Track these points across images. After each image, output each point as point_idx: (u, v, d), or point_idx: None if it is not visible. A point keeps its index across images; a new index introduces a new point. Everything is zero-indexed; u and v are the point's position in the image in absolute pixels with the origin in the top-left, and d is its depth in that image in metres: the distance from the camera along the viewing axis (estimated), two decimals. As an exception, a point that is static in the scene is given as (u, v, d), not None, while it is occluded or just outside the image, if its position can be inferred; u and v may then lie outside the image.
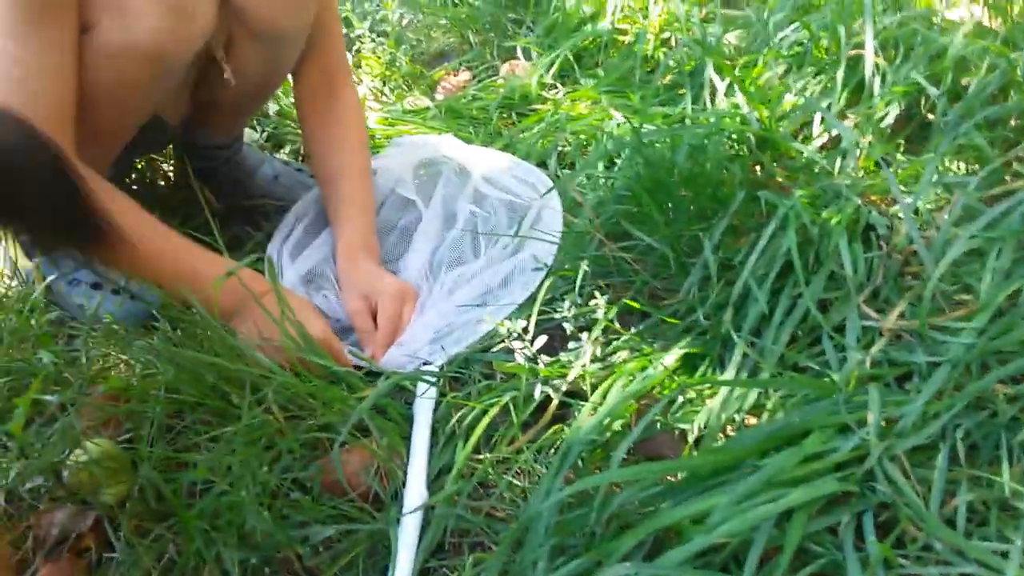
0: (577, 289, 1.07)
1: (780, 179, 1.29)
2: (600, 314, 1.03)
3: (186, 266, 1.08)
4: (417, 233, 1.32)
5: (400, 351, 1.13)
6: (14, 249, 1.25)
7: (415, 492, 0.90)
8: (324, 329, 1.07)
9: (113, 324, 1.15)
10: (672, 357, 1.00)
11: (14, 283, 1.28)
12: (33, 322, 1.15)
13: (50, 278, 1.22)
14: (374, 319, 1.16)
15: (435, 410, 1.02)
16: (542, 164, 1.44)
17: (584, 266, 1.09)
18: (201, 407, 1.02)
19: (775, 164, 1.32)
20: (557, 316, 1.04)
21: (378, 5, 1.86)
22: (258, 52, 1.23)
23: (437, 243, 1.30)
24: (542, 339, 1.01)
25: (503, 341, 1.04)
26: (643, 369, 1.00)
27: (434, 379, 1.05)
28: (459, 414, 1.00)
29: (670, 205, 1.15)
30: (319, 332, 1.04)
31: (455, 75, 1.75)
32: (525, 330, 1.00)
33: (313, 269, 1.28)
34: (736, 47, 1.71)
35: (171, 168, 1.51)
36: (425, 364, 1.10)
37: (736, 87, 1.44)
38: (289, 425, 0.97)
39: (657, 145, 1.23)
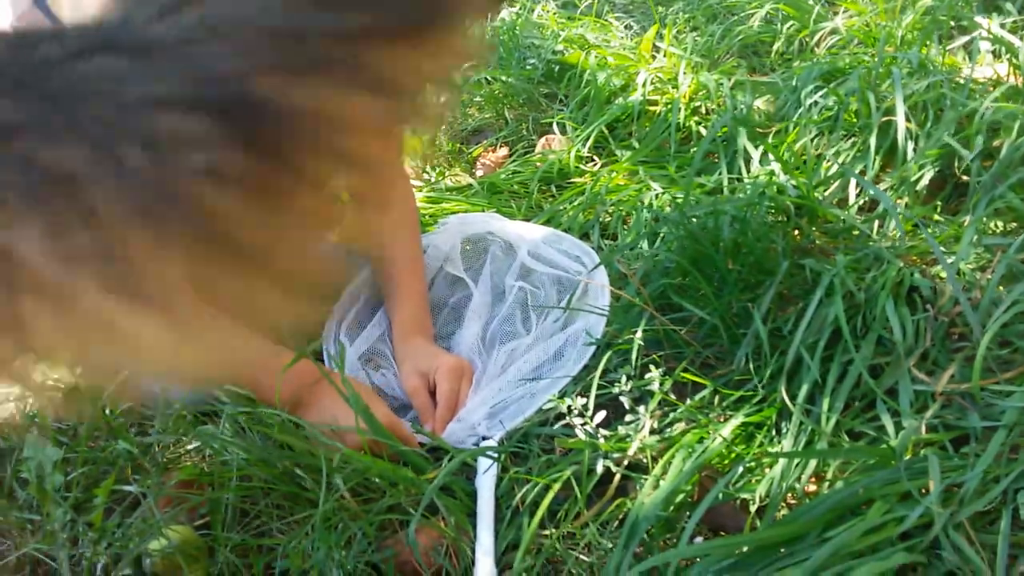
0: (633, 363, 1.10)
1: (820, 243, 1.32)
2: (656, 387, 1.06)
3: (252, 362, 1.13)
4: (468, 310, 1.36)
5: (459, 426, 1.16)
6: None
7: (485, 570, 0.92)
8: (388, 413, 1.11)
9: (182, 410, 1.19)
10: (729, 428, 1.02)
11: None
12: (107, 411, 1.19)
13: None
14: (432, 396, 1.20)
15: (497, 485, 1.05)
16: (584, 236, 1.48)
17: (638, 340, 1.12)
18: (273, 492, 1.05)
19: (814, 229, 1.35)
20: (614, 391, 1.06)
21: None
22: None
23: (488, 319, 1.34)
24: (601, 414, 1.04)
25: (564, 416, 1.07)
26: (701, 440, 1.02)
27: (495, 454, 1.08)
28: (522, 490, 1.02)
29: (717, 276, 1.18)
30: (384, 417, 1.08)
31: (493, 151, 1.80)
32: (585, 406, 1.03)
33: (371, 348, 1.32)
34: (766, 112, 1.76)
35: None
36: (484, 439, 1.13)
37: (771, 155, 1.48)
38: (361, 508, 1.00)
39: (697, 217, 1.27)
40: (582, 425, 1.03)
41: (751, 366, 1.08)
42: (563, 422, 1.08)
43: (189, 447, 1.16)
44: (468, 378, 1.22)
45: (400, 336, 1.30)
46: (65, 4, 1.04)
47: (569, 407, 1.03)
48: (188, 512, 1.07)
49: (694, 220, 1.23)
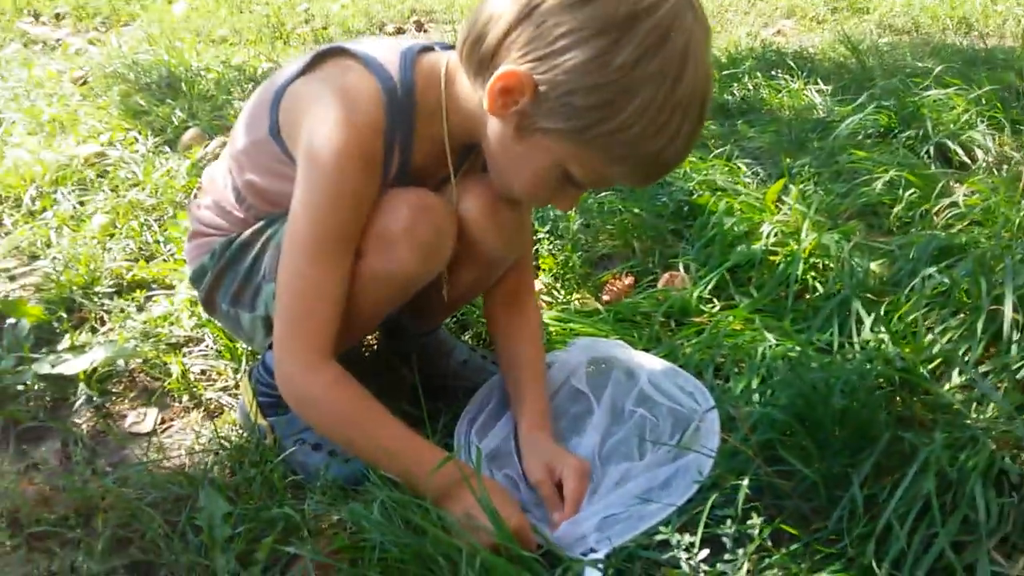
0: (738, 507, 1.23)
1: (920, 416, 1.43)
2: (756, 532, 1.19)
3: (407, 455, 1.31)
4: (589, 423, 1.51)
5: (569, 532, 1.30)
6: (252, 406, 1.51)
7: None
8: (521, 519, 1.26)
9: (335, 482, 1.37)
10: (819, 580, 1.14)
11: (245, 434, 1.53)
12: (274, 475, 1.38)
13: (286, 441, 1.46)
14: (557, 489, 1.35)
15: (602, 598, 1.18)
16: (698, 374, 1.62)
17: (744, 487, 1.25)
18: (407, 572, 1.21)
19: (915, 401, 1.46)
20: (718, 530, 1.19)
21: (557, 215, 2.13)
22: (475, 272, 1.48)
23: (605, 435, 1.49)
24: (705, 551, 1.16)
25: (668, 545, 1.21)
26: (792, 588, 1.14)
27: (602, 568, 1.21)
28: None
29: (822, 436, 1.30)
30: (516, 522, 1.23)
31: (620, 279, 1.97)
32: (692, 544, 1.16)
33: (498, 448, 1.48)
34: (880, 276, 1.88)
35: (375, 341, 1.77)
36: (592, 551, 1.27)
37: (882, 325, 1.60)
38: (483, 600, 1.15)
39: (809, 378, 1.40)
40: (687, 559, 1.15)
41: (844, 526, 1.20)
42: (668, 553, 1.21)
43: (337, 518, 1.34)
44: (587, 480, 1.37)
45: (526, 429, 1.45)
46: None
47: (678, 541, 1.16)
48: (332, 578, 1.24)
49: (806, 380, 1.36)
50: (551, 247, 2.03)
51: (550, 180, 1.26)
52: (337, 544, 1.25)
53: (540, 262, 2.01)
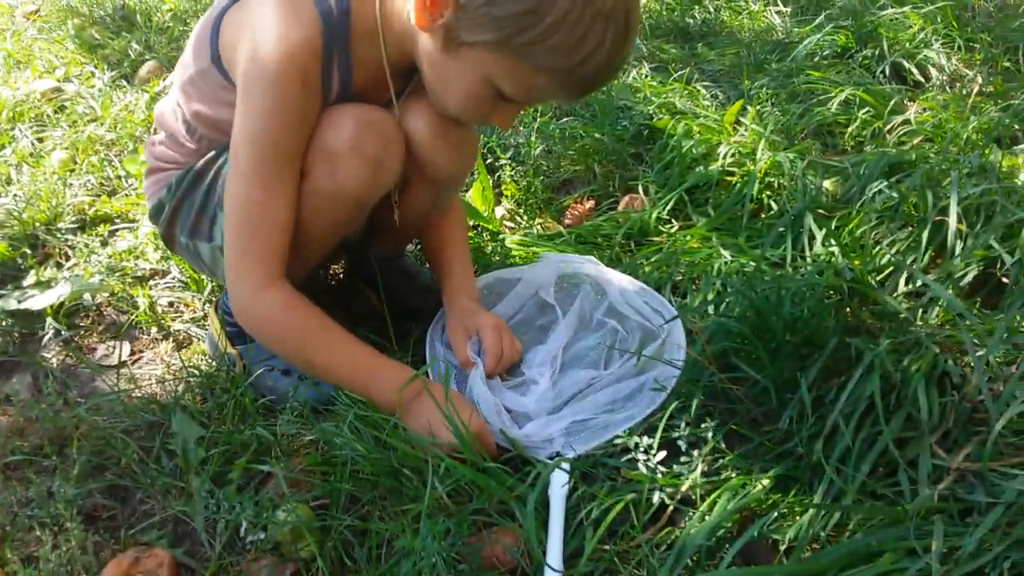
0: (692, 412, 1.29)
1: (868, 324, 1.49)
2: (710, 435, 1.25)
3: (366, 373, 1.36)
4: (553, 329, 1.56)
5: (538, 433, 1.36)
6: (220, 336, 1.53)
7: (554, 568, 1.12)
8: (480, 425, 1.31)
9: (305, 405, 1.41)
10: (769, 477, 1.20)
11: (215, 363, 1.56)
12: (246, 399, 1.42)
13: (254, 366, 1.50)
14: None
15: (568, 499, 1.24)
16: (657, 291, 1.66)
17: (699, 394, 1.31)
18: (379, 485, 1.26)
19: (864, 310, 1.52)
20: (674, 434, 1.25)
21: (519, 141, 2.14)
22: (427, 193, 1.51)
23: (572, 340, 1.55)
24: (662, 454, 1.22)
25: (629, 451, 1.26)
26: (744, 486, 1.20)
27: (567, 471, 1.27)
28: (588, 507, 1.21)
29: (773, 344, 1.36)
30: (475, 427, 1.28)
31: (581, 203, 2.00)
32: (650, 446, 1.22)
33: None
34: (832, 193, 1.93)
35: (341, 271, 1.80)
36: (558, 455, 1.33)
37: (833, 239, 1.65)
38: (453, 506, 1.21)
39: (761, 290, 1.45)
40: (645, 461, 1.21)
41: (793, 427, 1.26)
42: (628, 456, 1.27)
43: (308, 439, 1.38)
44: (508, 333, 1.50)
45: (450, 294, 1.57)
46: None
47: (636, 444, 1.22)
48: (307, 493, 1.28)
49: (759, 292, 1.41)
50: (513, 173, 2.05)
51: (482, 96, 1.27)
52: (309, 461, 1.30)
53: (503, 188, 2.03)
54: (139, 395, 1.51)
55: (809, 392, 1.28)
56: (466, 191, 1.97)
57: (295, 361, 1.42)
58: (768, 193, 1.94)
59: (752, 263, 1.65)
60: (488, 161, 2.06)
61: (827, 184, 1.94)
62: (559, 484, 1.25)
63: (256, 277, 1.32)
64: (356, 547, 1.19)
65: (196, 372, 1.52)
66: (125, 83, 2.46)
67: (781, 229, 1.76)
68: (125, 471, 1.35)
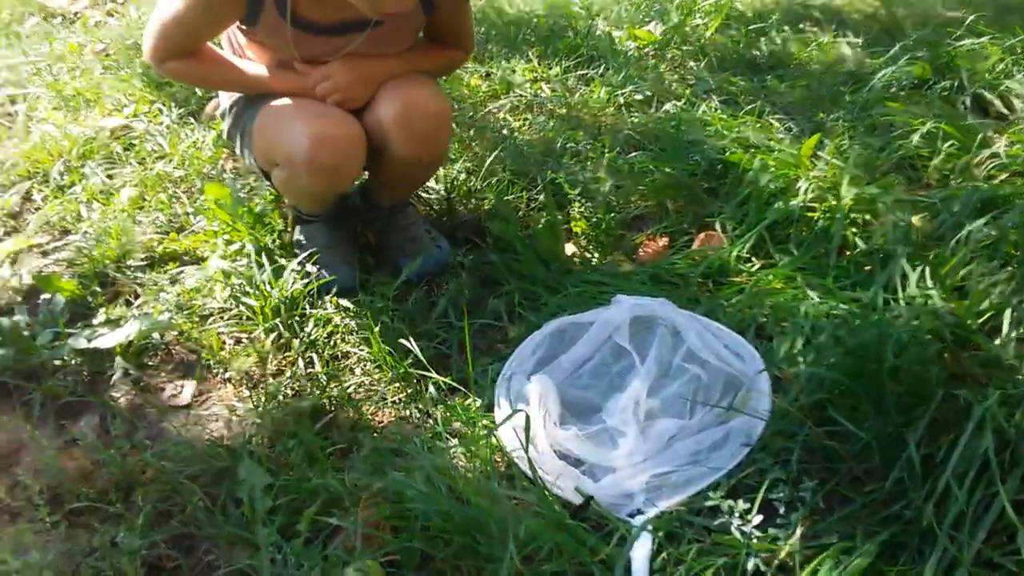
0: (792, 471, 1.20)
1: (971, 372, 1.39)
2: (808, 496, 1.16)
3: (266, 77, 1.67)
4: (631, 377, 1.49)
5: (617, 488, 1.28)
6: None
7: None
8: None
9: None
10: (875, 543, 1.11)
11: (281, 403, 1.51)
12: (315, 445, 1.37)
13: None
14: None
15: (651, 561, 1.16)
16: (739, 334, 1.58)
17: (796, 449, 1.22)
18: (452, 542, 1.19)
19: (966, 356, 1.42)
20: (772, 495, 1.16)
21: (593, 174, 2.08)
22: (402, 166, 1.70)
23: (654, 386, 1.47)
24: (759, 517, 1.14)
25: (723, 514, 1.18)
26: (847, 552, 1.11)
27: (650, 530, 1.19)
28: (674, 572, 1.14)
29: (874, 395, 1.27)
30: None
31: (654, 241, 1.93)
32: (748, 510, 1.14)
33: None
34: (922, 231, 1.83)
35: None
36: (639, 512, 1.25)
37: (929, 279, 1.56)
38: (527, 568, 1.13)
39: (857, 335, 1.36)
40: (739, 525, 1.13)
41: (900, 488, 1.17)
42: (720, 519, 1.18)
43: (377, 486, 1.32)
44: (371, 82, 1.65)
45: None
46: None
47: (730, 507, 1.14)
48: (378, 548, 1.22)
49: (856, 338, 1.33)
50: (583, 209, 1.98)
51: None
52: (379, 515, 1.24)
53: (572, 225, 1.97)
54: (206, 438, 1.48)
55: (917, 449, 1.19)
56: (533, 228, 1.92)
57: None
58: (853, 230, 1.85)
59: (842, 305, 1.56)
60: (557, 197, 2.00)
61: (915, 220, 1.84)
62: (643, 545, 1.18)
63: (158, 56, 1.64)
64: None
65: (265, 414, 1.47)
66: (192, 120, 2.46)
67: (871, 269, 1.66)
68: (190, 520, 1.31)
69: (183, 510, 1.33)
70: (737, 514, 1.14)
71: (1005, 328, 1.47)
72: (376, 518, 1.26)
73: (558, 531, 1.16)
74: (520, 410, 1.35)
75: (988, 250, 1.66)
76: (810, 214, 1.91)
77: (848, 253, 1.81)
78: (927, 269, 1.62)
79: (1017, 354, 1.41)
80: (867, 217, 1.88)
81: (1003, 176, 2.03)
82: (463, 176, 2.14)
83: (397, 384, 1.57)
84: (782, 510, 1.16)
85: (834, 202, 1.90)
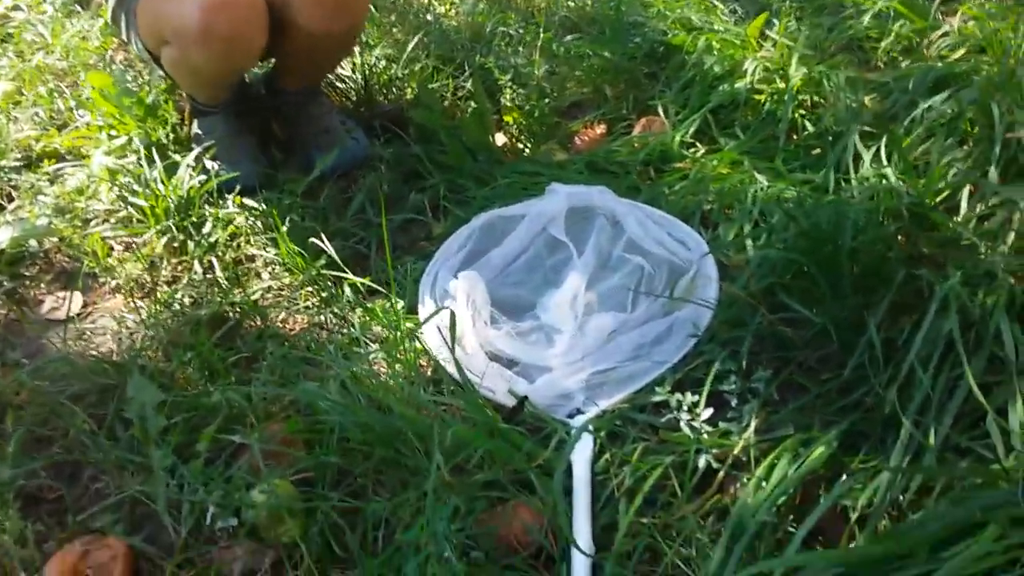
0: (742, 361, 1.09)
1: (929, 252, 1.29)
2: (761, 387, 1.05)
3: None
4: (569, 270, 1.36)
5: (553, 387, 1.16)
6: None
7: (584, 551, 0.93)
8: None
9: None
10: (834, 434, 1.01)
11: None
12: (213, 356, 1.22)
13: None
14: None
15: (593, 464, 1.05)
16: (683, 221, 1.46)
17: (748, 338, 1.11)
18: (372, 456, 1.06)
19: (923, 235, 1.32)
20: (721, 388, 1.05)
21: (526, 60, 1.91)
22: (308, 53, 1.57)
23: (592, 280, 1.34)
24: (708, 411, 1.03)
25: (671, 409, 1.07)
26: (805, 445, 1.01)
27: (591, 431, 1.08)
28: (619, 473, 1.03)
29: (830, 278, 1.15)
30: None
31: (592, 128, 1.79)
32: (695, 403, 1.03)
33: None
34: (873, 111, 1.71)
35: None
36: (578, 412, 1.14)
37: (885, 157, 1.45)
38: (458, 479, 1.01)
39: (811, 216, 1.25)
40: (688, 420, 1.02)
41: (862, 374, 1.06)
42: (667, 415, 1.07)
43: (288, 399, 1.18)
44: None
45: None
46: None
47: (678, 401, 1.02)
48: (288, 466, 1.08)
49: (810, 218, 1.21)
50: (514, 96, 1.82)
51: None
52: (289, 429, 1.10)
53: (503, 114, 1.81)
54: (91, 354, 1.31)
55: (878, 332, 1.08)
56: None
57: None
58: (802, 112, 1.72)
59: (792, 188, 1.44)
60: (486, 84, 1.83)
61: (866, 101, 1.72)
62: (584, 448, 1.06)
63: None
64: (348, 531, 1.00)
65: (157, 325, 1.31)
66: (79, 8, 2.21)
67: (818, 151, 1.54)
68: (73, 444, 1.16)
69: (65, 434, 1.18)
70: (685, 408, 1.03)
71: (963, 206, 1.37)
72: (285, 433, 1.12)
73: (490, 437, 1.04)
74: (445, 307, 1.21)
75: (944, 128, 1.55)
76: (756, 96, 1.78)
77: (796, 137, 1.69)
78: (881, 149, 1.50)
79: (977, 232, 1.31)
80: (816, 98, 1.76)
81: (957, 55, 1.92)
82: (382, 64, 1.95)
83: (309, 288, 1.41)
84: (734, 403, 1.05)
85: (782, 84, 1.77)
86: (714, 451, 1.02)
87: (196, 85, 1.61)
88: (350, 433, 1.07)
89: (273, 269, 1.47)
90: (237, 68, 1.54)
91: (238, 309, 1.38)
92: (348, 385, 1.12)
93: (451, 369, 1.16)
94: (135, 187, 1.53)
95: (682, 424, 1.03)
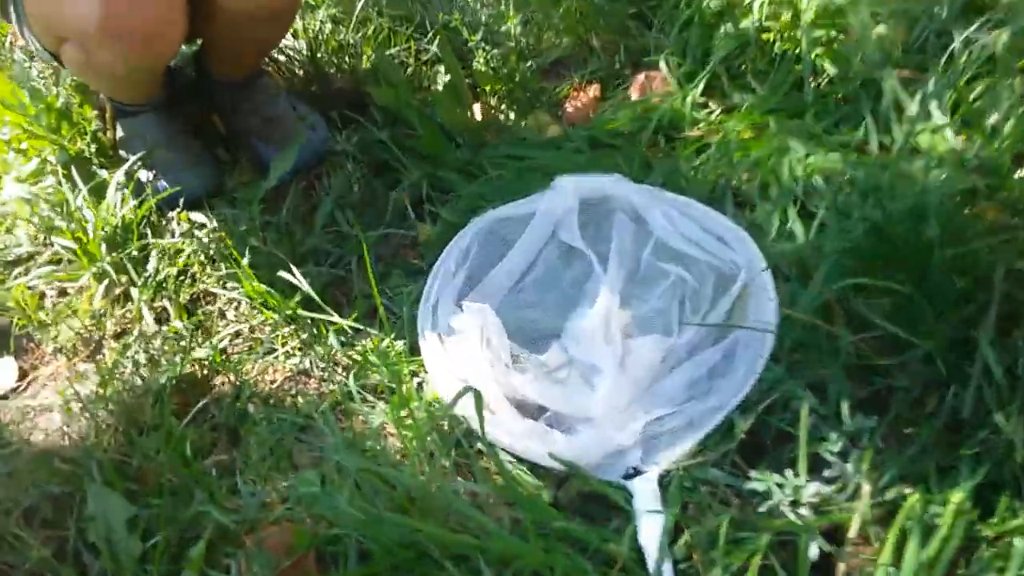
0: (842, 415, 0.90)
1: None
2: (865, 436, 0.87)
3: None
4: (593, 285, 1.17)
5: (602, 443, 0.98)
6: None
7: None
8: None
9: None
10: (963, 491, 0.84)
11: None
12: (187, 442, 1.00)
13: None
14: None
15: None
16: (714, 208, 1.25)
17: (839, 372, 0.93)
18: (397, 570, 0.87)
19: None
20: (822, 451, 0.87)
21: (493, 13, 1.65)
22: (236, 32, 1.30)
23: (626, 298, 1.14)
24: (813, 486, 0.84)
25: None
26: (926, 507, 0.84)
27: (661, 505, 0.90)
28: (707, 561, 0.85)
29: (919, 283, 0.97)
30: None
31: (583, 90, 1.55)
32: (797, 488, 0.84)
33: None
34: (896, 42, 1.50)
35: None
36: (636, 472, 0.96)
37: (937, 109, 1.25)
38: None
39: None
40: (791, 503, 0.84)
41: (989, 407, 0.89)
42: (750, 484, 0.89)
43: (284, 485, 0.98)
44: None
45: None
46: None
47: (779, 484, 0.84)
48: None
49: (888, 203, 1.02)
50: (489, 59, 1.56)
51: None
52: (300, 544, 0.90)
53: (479, 83, 1.56)
54: (38, 445, 1.08)
55: (993, 351, 0.90)
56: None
57: None
58: (818, 52, 1.50)
59: (836, 156, 1.24)
60: (454, 46, 1.57)
61: (890, 31, 1.51)
62: (654, 527, 0.88)
63: None
64: None
65: (111, 400, 1.08)
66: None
67: (841, 98, 1.34)
68: (31, 582, 0.94)
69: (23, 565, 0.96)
70: (788, 493, 0.84)
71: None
72: (289, 539, 0.91)
73: (544, 541, 0.85)
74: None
75: (987, 64, 1.36)
76: (765, 36, 1.55)
77: (816, 81, 1.48)
78: (928, 96, 1.30)
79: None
80: (833, 34, 1.54)
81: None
82: (328, 27, 1.67)
83: (286, 329, 1.19)
84: (835, 465, 0.86)
85: (791, 17, 1.54)
86: (820, 524, 0.84)
87: (110, 87, 1.34)
88: (369, 546, 0.88)
89: (238, 306, 1.24)
90: (155, 65, 1.25)
91: (205, 365, 1.16)
92: (360, 483, 0.91)
93: (475, 426, 0.96)
94: (58, 222, 1.27)
95: (786, 511, 0.85)
